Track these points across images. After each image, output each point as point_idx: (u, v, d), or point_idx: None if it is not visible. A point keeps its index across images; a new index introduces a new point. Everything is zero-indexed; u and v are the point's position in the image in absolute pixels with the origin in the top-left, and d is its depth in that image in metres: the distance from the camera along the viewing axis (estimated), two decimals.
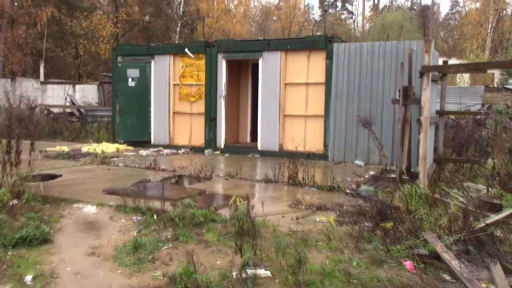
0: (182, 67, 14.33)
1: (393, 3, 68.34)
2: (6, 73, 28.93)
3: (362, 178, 10.04)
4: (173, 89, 14.56)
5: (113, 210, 6.88)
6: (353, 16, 71.43)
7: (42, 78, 30.37)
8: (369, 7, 69.88)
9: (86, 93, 29.36)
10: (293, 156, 12.37)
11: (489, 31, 48.07)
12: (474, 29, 49.58)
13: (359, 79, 12.07)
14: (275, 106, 13.12)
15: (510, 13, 50.39)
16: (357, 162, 12.07)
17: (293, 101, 13.02)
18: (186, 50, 14.11)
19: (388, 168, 10.29)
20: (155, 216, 6.44)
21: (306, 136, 12.92)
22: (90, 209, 7.00)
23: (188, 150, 14.08)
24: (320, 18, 68.92)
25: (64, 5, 34.08)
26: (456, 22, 61.96)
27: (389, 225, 6.17)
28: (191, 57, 14.11)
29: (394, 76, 11.67)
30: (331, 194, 8.53)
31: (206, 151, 13.61)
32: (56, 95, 28.37)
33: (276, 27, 57.10)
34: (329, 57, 12.35)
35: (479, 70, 12.81)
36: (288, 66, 12.99)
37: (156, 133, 14.80)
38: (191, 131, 14.42)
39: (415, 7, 66.87)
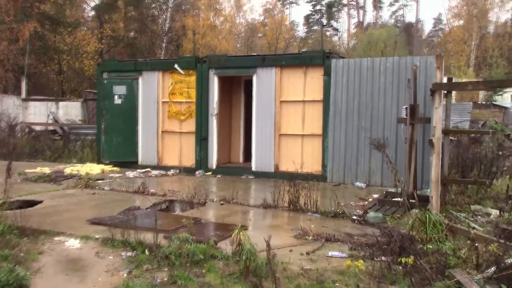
0: (172, 83, 13.66)
1: (378, 20, 68.81)
2: None
3: (366, 202, 9.41)
4: (162, 107, 13.86)
5: (99, 244, 6.12)
6: (338, 33, 71.57)
7: (24, 95, 29.44)
8: (354, 24, 70.16)
9: (70, 110, 28.48)
10: (289, 178, 11.74)
11: (472, 48, 48.35)
12: (458, 46, 49.78)
13: (358, 96, 11.52)
14: (270, 125, 12.49)
15: (493, 30, 50.87)
16: (358, 183, 11.45)
17: (289, 120, 12.41)
18: (176, 66, 13.45)
19: (393, 190, 9.68)
20: (147, 252, 5.69)
21: (303, 156, 12.28)
22: (73, 243, 6.22)
23: (178, 171, 13.34)
24: (306, 35, 69.10)
25: (48, 21, 33.24)
26: (439, 39, 62.34)
27: (410, 260, 5.51)
28: (181, 73, 13.45)
29: (396, 93, 11.14)
30: (337, 222, 7.86)
31: (197, 172, 12.89)
32: (38, 112, 27.49)
33: (262, 43, 56.78)
34: (327, 74, 11.80)
35: (500, 87, 12.24)
36: (284, 83, 12.40)
37: (144, 153, 14.05)
38: (181, 151, 13.70)
39: (399, 24, 67.27)
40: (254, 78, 12.63)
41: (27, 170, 12.63)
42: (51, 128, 23.87)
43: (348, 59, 11.81)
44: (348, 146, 11.64)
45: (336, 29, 73.16)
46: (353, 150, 11.58)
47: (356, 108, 11.54)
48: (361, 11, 70.58)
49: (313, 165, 12.14)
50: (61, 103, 28.32)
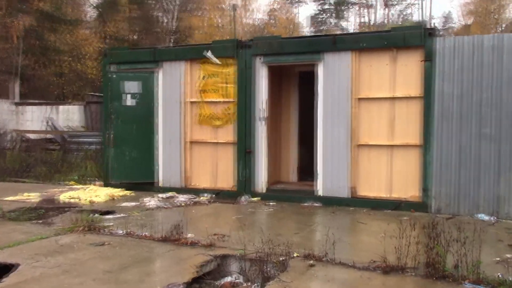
0: (203, 77, 10.15)
1: (388, 19, 65.12)
2: None
3: None
4: (189, 109, 10.34)
5: None
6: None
7: (17, 98, 26.06)
8: (361, 23, 66.44)
9: (71, 116, 25.22)
10: (372, 206, 8.40)
11: None
12: None
13: (479, 90, 8.01)
14: (343, 132, 8.98)
15: (503, 28, 47.36)
16: (481, 216, 7.92)
17: (371, 125, 8.89)
18: (208, 53, 9.95)
19: None
20: None
21: (392, 176, 8.75)
22: None
23: (213, 195, 9.85)
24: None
25: (46, 19, 29.83)
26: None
27: None
28: (215, 63, 9.95)
29: None
30: None
31: (242, 199, 9.36)
32: (36, 118, 24.30)
33: None
34: (429, 58, 8.29)
35: None
36: (363, 73, 8.89)
37: (165, 171, 10.52)
38: (216, 169, 10.18)
39: (407, 23, 63.52)
40: (320, 68, 9.12)
41: (8, 198, 9.21)
42: (49, 136, 20.52)
43: (461, 37, 8.29)
44: (463, 162, 8.12)
45: (344, 29, 69.38)
46: (472, 167, 8.06)
47: (475, 107, 8.03)
48: (371, 10, 66.99)
49: (406, 189, 8.62)
50: (61, 108, 25.04)
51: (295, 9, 66.92)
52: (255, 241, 6.20)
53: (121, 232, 6.89)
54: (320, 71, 9.13)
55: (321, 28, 67.34)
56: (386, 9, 67.38)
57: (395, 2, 65.95)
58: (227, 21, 48.87)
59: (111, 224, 7.36)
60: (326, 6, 67.72)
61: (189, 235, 6.62)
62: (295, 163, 10.87)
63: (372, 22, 64.63)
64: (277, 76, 10.38)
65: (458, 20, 55.70)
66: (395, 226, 6.53)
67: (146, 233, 6.75)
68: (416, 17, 60.58)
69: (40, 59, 31.51)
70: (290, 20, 55.74)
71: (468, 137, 8.09)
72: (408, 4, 65.97)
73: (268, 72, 9.60)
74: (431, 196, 8.33)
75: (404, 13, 66.90)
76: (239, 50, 9.75)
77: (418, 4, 60.20)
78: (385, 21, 63.57)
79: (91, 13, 41.29)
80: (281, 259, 5.45)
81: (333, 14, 67.66)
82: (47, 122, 23.33)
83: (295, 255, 5.72)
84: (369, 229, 7.32)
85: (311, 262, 5.48)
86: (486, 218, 7.85)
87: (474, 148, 8.05)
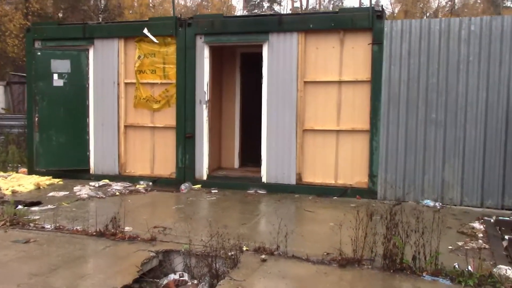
0: (139, 57, 9.44)
1: (318, 6, 65.74)
2: None
3: (481, 242, 5.85)
4: (124, 91, 9.61)
5: None
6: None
7: None
8: (293, 8, 66.71)
9: None
10: (318, 192, 8.17)
11: None
12: None
13: (426, 75, 7.91)
14: (289, 116, 8.63)
15: (427, 17, 49.11)
16: (427, 202, 7.88)
17: (318, 109, 8.60)
18: (146, 31, 9.23)
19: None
20: None
21: (338, 162, 8.53)
22: None
23: (150, 183, 9.24)
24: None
25: None
26: None
27: None
28: (153, 41, 9.26)
29: (485, 70, 7.61)
30: None
31: (183, 186, 8.79)
32: None
33: None
34: (378, 41, 8.08)
35: None
36: (310, 56, 8.56)
37: (98, 157, 9.75)
38: (154, 155, 9.55)
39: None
40: (265, 49, 8.69)
41: None
42: None
43: (410, 20, 8.10)
44: (410, 148, 8.02)
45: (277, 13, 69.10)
46: (418, 153, 7.98)
47: (422, 92, 7.93)
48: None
49: (353, 175, 8.44)
50: None
51: None
52: (201, 234, 5.76)
53: (49, 226, 6.18)
54: (266, 52, 8.69)
55: (254, 11, 66.75)
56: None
57: None
58: (158, 1, 47.22)
59: (38, 217, 6.61)
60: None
61: (126, 228, 6.04)
62: (237, 148, 10.42)
63: (304, 7, 64.91)
64: (217, 57, 9.83)
65: (385, 8, 56.98)
66: (344, 214, 6.34)
67: (78, 227, 6.08)
68: (347, 4, 61.50)
69: None
70: (223, 2, 54.79)
71: (415, 122, 7.98)
72: None
73: (210, 52, 9.04)
74: (377, 183, 8.19)
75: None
76: (178, 28, 9.10)
77: None
78: (317, 7, 64.00)
79: None
80: (230, 254, 5.02)
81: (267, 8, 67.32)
82: None
83: (244, 249, 5.31)
84: (318, 217, 7.04)
85: (263, 256, 5.09)
86: (431, 203, 7.81)
87: (421, 133, 7.96)
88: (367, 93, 8.26)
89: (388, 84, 8.08)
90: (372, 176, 8.23)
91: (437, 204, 7.76)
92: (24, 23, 33.69)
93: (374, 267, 4.89)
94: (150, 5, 45.53)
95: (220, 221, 6.55)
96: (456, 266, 4.81)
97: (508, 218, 6.70)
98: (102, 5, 38.70)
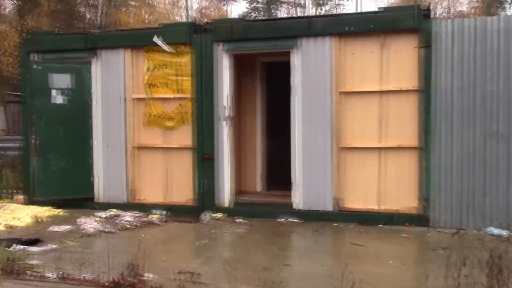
0: (149, 68, 8.37)
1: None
2: None
3: None
4: (132, 107, 8.51)
5: None
6: None
7: None
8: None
9: None
10: (360, 220, 7.10)
11: None
12: None
13: (483, 82, 6.84)
14: (323, 133, 7.54)
15: None
16: (491, 229, 6.75)
17: (356, 123, 7.51)
18: (156, 38, 8.17)
19: None
20: None
21: (381, 184, 7.41)
22: None
23: (164, 212, 8.10)
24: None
25: None
26: None
27: None
28: (165, 51, 8.19)
29: None
30: None
31: (203, 216, 7.65)
32: None
33: None
34: (426, 44, 7.02)
35: None
36: (346, 62, 7.49)
37: (105, 184, 8.60)
38: (167, 179, 8.42)
39: None
40: (294, 55, 7.63)
41: None
42: None
43: (462, 20, 7.07)
44: (467, 166, 6.92)
45: None
46: (478, 172, 6.89)
47: (479, 102, 6.87)
48: (299, 9, 66.64)
49: (400, 199, 7.31)
50: None
51: (224, 6, 65.25)
52: (238, 281, 4.63)
53: (51, 275, 5.03)
54: (294, 59, 7.62)
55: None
56: (317, 8, 67.32)
57: (325, 2, 65.95)
58: (155, 18, 46.50)
59: (37, 262, 5.47)
60: (258, 5, 66.66)
61: (146, 275, 4.91)
62: (259, 170, 9.30)
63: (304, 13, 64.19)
64: (235, 68, 8.75)
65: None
66: (399, 247, 5.26)
67: (87, 276, 4.94)
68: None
69: None
70: (221, 17, 54.08)
71: (472, 137, 6.89)
72: (337, 4, 66.23)
73: (232, 62, 7.98)
74: (430, 207, 7.07)
75: (334, 12, 67.05)
76: (194, 35, 8.04)
77: (347, 3, 60.71)
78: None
79: (9, 6, 37.68)
80: None
81: (265, 13, 66.68)
82: None
83: None
84: (371, 253, 5.92)
85: None
86: (496, 231, 6.70)
87: (479, 149, 6.87)
88: (414, 104, 7.18)
89: (438, 93, 7.00)
90: (423, 199, 7.11)
91: (504, 232, 6.64)
92: (19, 41, 32.82)
93: None
94: (146, 21, 44.85)
95: (256, 262, 5.44)
96: None
97: None
98: (98, 22, 37.96)
